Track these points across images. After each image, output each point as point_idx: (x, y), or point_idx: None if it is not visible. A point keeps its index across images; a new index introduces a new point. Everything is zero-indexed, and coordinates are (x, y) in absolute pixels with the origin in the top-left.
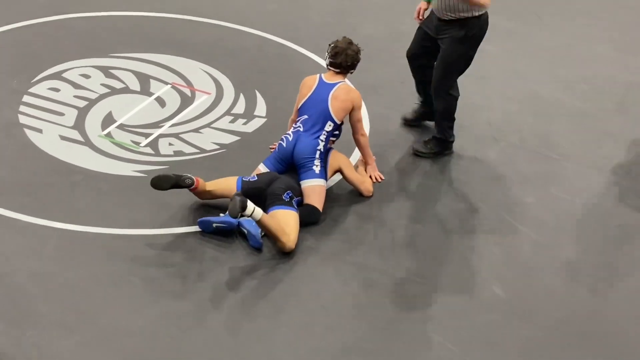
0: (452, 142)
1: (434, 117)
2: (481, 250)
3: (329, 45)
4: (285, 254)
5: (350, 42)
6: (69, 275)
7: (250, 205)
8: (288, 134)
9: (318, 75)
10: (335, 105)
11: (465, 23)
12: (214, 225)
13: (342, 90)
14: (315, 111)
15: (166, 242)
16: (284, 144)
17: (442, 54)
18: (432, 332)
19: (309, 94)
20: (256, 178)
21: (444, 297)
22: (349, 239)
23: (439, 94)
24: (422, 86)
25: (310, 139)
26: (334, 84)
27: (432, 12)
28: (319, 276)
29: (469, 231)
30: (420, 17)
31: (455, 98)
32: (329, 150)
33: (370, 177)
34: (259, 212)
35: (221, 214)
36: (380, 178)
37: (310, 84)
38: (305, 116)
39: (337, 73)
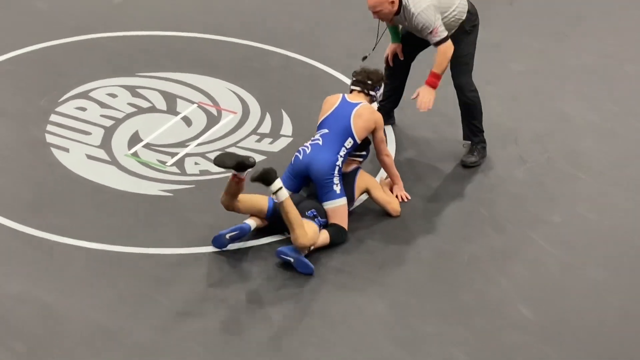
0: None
1: (463, 120)
2: (508, 270)
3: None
4: (309, 275)
5: (376, 70)
6: (95, 295)
7: (278, 182)
8: (305, 147)
9: (341, 94)
10: (358, 123)
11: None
12: (227, 236)
13: (366, 109)
14: (337, 126)
15: (192, 261)
16: (300, 157)
17: (457, 50)
18: (459, 352)
19: (331, 110)
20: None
21: (471, 317)
22: (375, 259)
23: (465, 94)
24: (397, 85)
25: (329, 154)
26: (357, 103)
27: None
28: (345, 296)
29: (496, 251)
30: (391, 62)
31: (477, 92)
32: (357, 170)
33: (397, 196)
34: (284, 193)
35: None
36: (407, 198)
37: (333, 101)
38: (326, 130)
39: (359, 92)
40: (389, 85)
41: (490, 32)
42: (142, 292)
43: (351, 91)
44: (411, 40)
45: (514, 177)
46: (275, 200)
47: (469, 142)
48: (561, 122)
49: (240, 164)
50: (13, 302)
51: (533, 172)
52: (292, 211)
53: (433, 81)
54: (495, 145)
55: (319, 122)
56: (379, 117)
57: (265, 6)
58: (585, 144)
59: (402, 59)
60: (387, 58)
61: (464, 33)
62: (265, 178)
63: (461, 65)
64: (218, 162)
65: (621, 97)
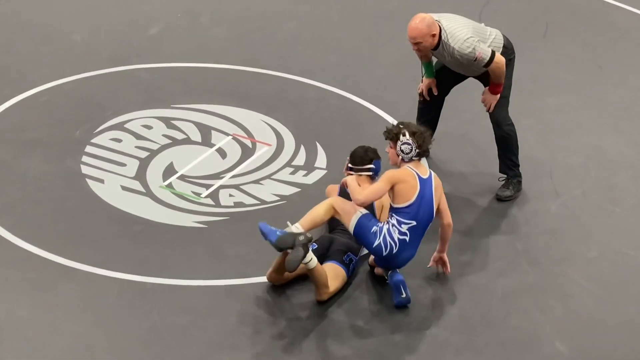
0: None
1: (500, 154)
2: (543, 304)
3: (400, 129)
4: (342, 304)
5: (419, 127)
6: (129, 326)
7: (310, 254)
8: (392, 241)
9: (410, 170)
10: (437, 202)
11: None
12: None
13: (437, 181)
14: (425, 217)
15: (226, 293)
16: (384, 252)
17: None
18: None
19: (416, 195)
20: (316, 246)
21: (506, 352)
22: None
23: (502, 128)
24: (432, 118)
25: (412, 251)
26: (430, 175)
27: None
28: (378, 330)
29: (531, 285)
30: (427, 97)
31: (514, 125)
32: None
33: (436, 261)
34: (315, 261)
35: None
36: (447, 271)
37: (412, 182)
38: (414, 223)
39: (420, 160)
40: (423, 118)
41: (525, 65)
42: (176, 324)
43: (410, 159)
44: (447, 75)
45: (548, 211)
46: (308, 267)
47: (505, 175)
48: (596, 156)
49: (303, 246)
50: (47, 332)
51: (568, 206)
52: (320, 274)
53: (495, 90)
54: (530, 179)
55: (400, 205)
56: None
57: (301, 39)
58: (621, 178)
59: (436, 94)
60: (421, 93)
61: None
62: (303, 256)
63: (498, 100)
64: (281, 245)
65: None
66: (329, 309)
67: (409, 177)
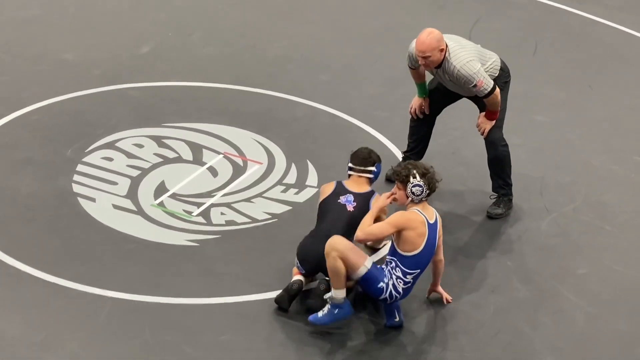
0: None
1: (492, 174)
2: (534, 321)
3: (410, 170)
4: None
5: (427, 167)
6: (121, 344)
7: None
8: (397, 293)
9: (420, 215)
10: (438, 244)
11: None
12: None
13: (440, 221)
14: (428, 261)
15: (218, 311)
16: (388, 300)
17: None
18: None
19: (424, 243)
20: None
21: None
22: (404, 313)
23: (497, 148)
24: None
25: (412, 287)
26: (436, 220)
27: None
28: (369, 346)
29: (522, 302)
30: (419, 114)
31: (508, 146)
32: (373, 195)
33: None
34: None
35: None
36: (448, 300)
37: (421, 230)
38: (419, 270)
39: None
40: (414, 136)
41: (515, 83)
42: (168, 342)
43: (420, 201)
44: (440, 95)
45: (539, 229)
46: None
47: (496, 193)
48: (586, 173)
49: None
50: (38, 350)
51: (558, 223)
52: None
53: (491, 116)
54: (520, 196)
55: (406, 252)
56: None
57: (291, 57)
58: (611, 195)
59: (427, 113)
60: (412, 111)
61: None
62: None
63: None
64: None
65: None
66: (320, 327)
67: (418, 223)
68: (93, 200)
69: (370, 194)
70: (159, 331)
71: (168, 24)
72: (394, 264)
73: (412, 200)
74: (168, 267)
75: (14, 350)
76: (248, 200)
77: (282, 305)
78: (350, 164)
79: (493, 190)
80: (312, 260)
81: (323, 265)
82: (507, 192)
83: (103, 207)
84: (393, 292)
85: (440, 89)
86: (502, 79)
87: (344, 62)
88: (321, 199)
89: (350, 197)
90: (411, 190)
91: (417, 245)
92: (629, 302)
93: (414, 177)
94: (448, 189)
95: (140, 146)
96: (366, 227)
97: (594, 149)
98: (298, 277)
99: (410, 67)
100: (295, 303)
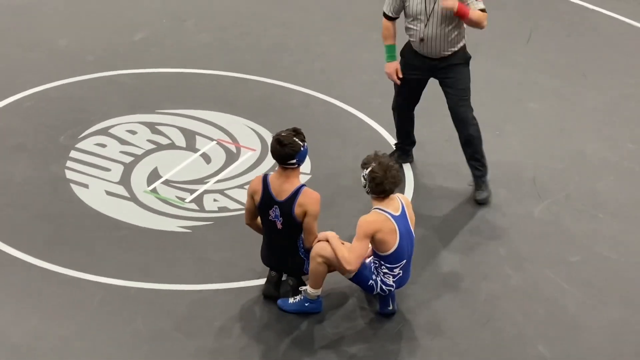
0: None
1: (469, 158)
2: (526, 308)
3: (369, 161)
4: (326, 309)
5: (387, 165)
6: (112, 330)
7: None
8: (389, 286)
9: (382, 213)
10: (413, 224)
11: (463, 48)
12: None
13: (407, 202)
14: (410, 248)
15: (209, 298)
16: (384, 294)
17: (457, 83)
18: None
19: (398, 238)
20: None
21: (488, 356)
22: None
23: (470, 123)
24: (409, 130)
25: (408, 274)
26: (403, 209)
27: (412, 59)
28: (358, 335)
29: (514, 289)
30: (400, 76)
31: (478, 124)
32: (301, 189)
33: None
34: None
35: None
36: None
37: (390, 226)
38: (404, 261)
39: (386, 197)
40: (400, 132)
41: (508, 71)
42: (159, 328)
43: (385, 196)
44: (414, 85)
45: (532, 216)
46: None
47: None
48: (579, 160)
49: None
50: (30, 337)
51: (551, 210)
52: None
53: (463, 8)
54: (513, 184)
55: (385, 252)
56: None
57: (285, 45)
58: (604, 182)
59: (400, 76)
60: (393, 76)
61: (467, 64)
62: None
63: (465, 99)
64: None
65: (639, 135)
66: (313, 314)
67: (383, 223)
68: (86, 186)
69: (294, 195)
70: (152, 318)
71: (162, 10)
72: (377, 263)
73: (367, 192)
74: (161, 254)
75: (5, 336)
76: (241, 187)
77: (271, 295)
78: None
79: (474, 177)
80: (278, 270)
81: (289, 271)
82: (485, 173)
83: (96, 194)
84: (384, 286)
85: (410, 80)
86: (468, 54)
87: (339, 49)
88: (254, 199)
89: (277, 211)
90: (362, 178)
91: (391, 242)
92: (621, 290)
93: (366, 169)
94: (440, 176)
95: (133, 133)
96: (347, 256)
97: (587, 137)
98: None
99: (388, 18)
100: (287, 292)
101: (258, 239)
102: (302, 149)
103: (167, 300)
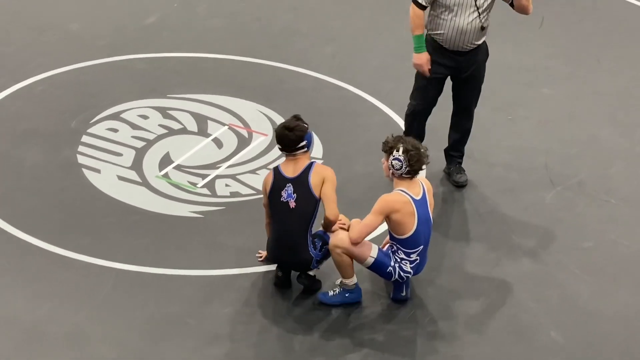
0: None
1: (460, 143)
2: (538, 294)
3: (396, 143)
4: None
5: (416, 143)
6: (125, 316)
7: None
8: (407, 273)
9: (403, 194)
10: (432, 210)
11: (484, 43)
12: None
13: (428, 186)
14: (428, 234)
15: (222, 283)
16: (402, 280)
17: (479, 75)
18: None
19: (416, 222)
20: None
21: (501, 342)
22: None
23: (471, 120)
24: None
25: (425, 259)
26: (424, 193)
27: (439, 57)
28: (373, 319)
29: (526, 275)
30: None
31: None
32: (311, 166)
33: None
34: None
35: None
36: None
37: (409, 209)
38: (422, 247)
39: (412, 178)
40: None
41: (521, 56)
42: (172, 314)
43: (412, 177)
44: (435, 85)
45: (544, 202)
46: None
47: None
48: (592, 146)
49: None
50: (44, 322)
51: (563, 196)
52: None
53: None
54: (525, 169)
55: (401, 235)
56: None
57: (297, 29)
58: (616, 168)
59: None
60: (424, 68)
61: (487, 57)
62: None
63: (478, 92)
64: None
65: None
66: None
67: (403, 204)
68: (98, 171)
69: (308, 168)
70: (164, 303)
71: None
72: (395, 247)
73: (393, 174)
74: (173, 239)
75: (18, 321)
76: (253, 172)
77: (284, 285)
78: (278, 147)
79: (452, 162)
80: (286, 266)
81: (296, 267)
82: (460, 156)
83: (108, 179)
84: (402, 273)
85: (434, 80)
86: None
87: (350, 33)
88: (266, 194)
89: (290, 189)
90: (391, 162)
91: (409, 225)
92: (634, 275)
93: (397, 151)
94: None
95: (145, 117)
96: (356, 227)
97: (599, 122)
98: None
99: (421, 7)
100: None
101: None
102: (308, 130)
103: (179, 286)
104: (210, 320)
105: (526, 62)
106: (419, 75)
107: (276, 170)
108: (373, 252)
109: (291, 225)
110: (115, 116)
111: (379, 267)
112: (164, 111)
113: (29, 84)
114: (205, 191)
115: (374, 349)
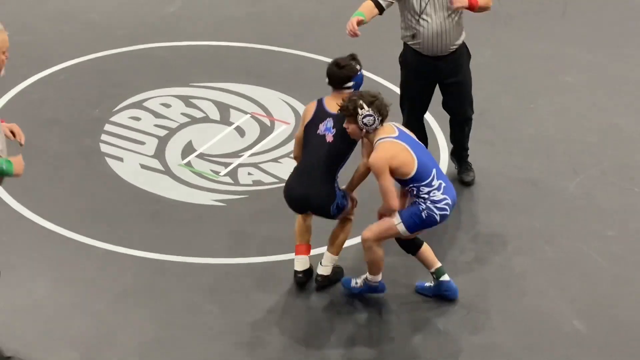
0: None
1: (461, 145)
2: (561, 283)
3: (356, 102)
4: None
5: (370, 92)
6: (147, 304)
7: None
8: (441, 207)
9: (385, 141)
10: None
11: (463, 44)
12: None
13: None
14: (430, 157)
15: (244, 272)
16: (448, 212)
17: (464, 80)
18: None
19: (413, 154)
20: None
21: (522, 330)
22: (424, 271)
23: (470, 123)
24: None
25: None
26: (399, 129)
27: (418, 65)
28: (392, 309)
29: (548, 264)
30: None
31: None
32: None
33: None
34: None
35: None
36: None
37: (399, 148)
38: (434, 169)
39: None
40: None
41: (543, 44)
42: (194, 302)
43: (375, 129)
44: (419, 89)
45: (566, 190)
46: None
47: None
48: (614, 134)
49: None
50: (66, 310)
51: (585, 185)
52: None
53: (473, 3)
54: (547, 158)
55: (409, 174)
56: None
57: (318, 17)
58: (638, 156)
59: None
60: (351, 28)
61: (469, 59)
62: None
63: (469, 97)
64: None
65: None
66: (348, 290)
67: (392, 146)
68: (120, 159)
69: None
70: (186, 291)
71: None
72: (415, 192)
73: (367, 132)
74: (195, 227)
75: (41, 309)
76: (275, 160)
77: (303, 284)
78: (327, 81)
79: (461, 161)
80: (297, 202)
81: (309, 206)
82: (468, 154)
83: (130, 167)
84: (439, 205)
85: (416, 89)
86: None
87: (371, 21)
88: (303, 124)
89: (330, 123)
90: (362, 122)
91: (409, 160)
92: None
93: (362, 108)
94: (471, 150)
95: (167, 106)
96: (386, 196)
97: (621, 110)
98: (300, 257)
99: (379, 7)
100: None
101: (292, 212)
102: (359, 72)
103: (201, 274)
104: (233, 309)
105: (548, 50)
106: (405, 85)
107: (319, 103)
108: (396, 219)
109: (322, 158)
110: (138, 105)
111: (414, 224)
112: (186, 99)
113: (51, 73)
114: (228, 179)
115: (390, 340)
